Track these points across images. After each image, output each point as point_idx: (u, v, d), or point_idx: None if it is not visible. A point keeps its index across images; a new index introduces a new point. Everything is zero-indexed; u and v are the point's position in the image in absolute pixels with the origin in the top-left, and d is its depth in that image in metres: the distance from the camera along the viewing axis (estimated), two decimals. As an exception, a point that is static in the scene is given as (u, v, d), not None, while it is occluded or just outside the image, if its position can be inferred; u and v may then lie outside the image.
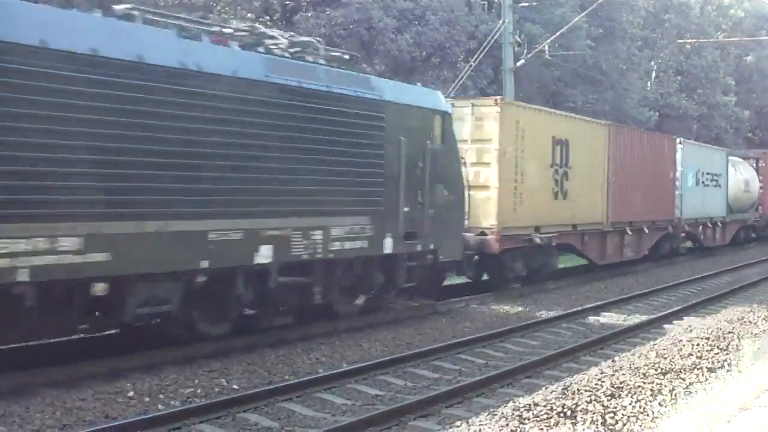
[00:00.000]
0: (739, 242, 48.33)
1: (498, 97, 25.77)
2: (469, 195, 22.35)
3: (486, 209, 23.69)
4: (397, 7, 36.27)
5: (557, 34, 36.72)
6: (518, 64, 35.59)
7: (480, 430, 10.51)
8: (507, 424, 10.60)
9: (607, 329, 20.13)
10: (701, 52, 58.61)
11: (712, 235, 42.66)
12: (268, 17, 36.78)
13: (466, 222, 22.35)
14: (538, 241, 25.49)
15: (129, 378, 13.54)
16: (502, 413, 11.14)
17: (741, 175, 47.27)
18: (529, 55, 36.17)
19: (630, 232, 32.38)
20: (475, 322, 20.47)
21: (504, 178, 24.07)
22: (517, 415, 10.94)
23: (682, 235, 38.91)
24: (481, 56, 34.28)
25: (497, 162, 23.89)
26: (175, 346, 15.21)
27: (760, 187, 49.88)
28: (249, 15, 36.37)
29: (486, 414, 11.46)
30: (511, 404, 11.73)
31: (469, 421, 11.27)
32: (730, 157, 46.93)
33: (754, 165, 50.39)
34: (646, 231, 34.02)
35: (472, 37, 38.60)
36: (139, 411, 12.07)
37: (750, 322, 19.54)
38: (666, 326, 20.43)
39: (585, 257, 30.48)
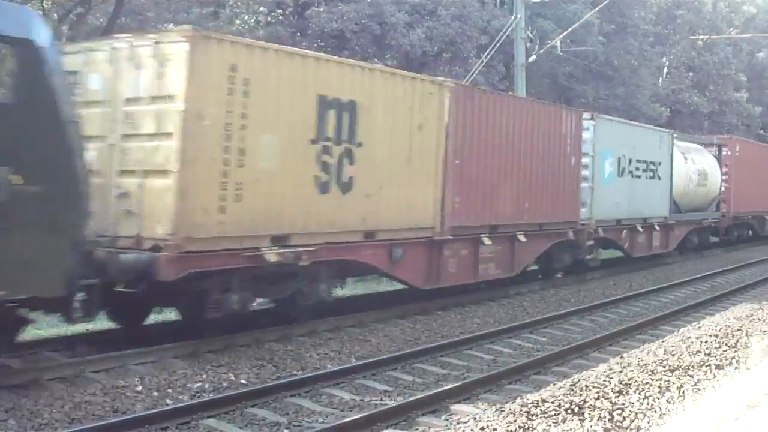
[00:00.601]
0: (692, 248, 38.73)
1: (190, 28, 15.80)
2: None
3: (162, 208, 14.67)
4: (409, 2, 36.17)
5: (569, 30, 36.65)
6: (530, 59, 35.56)
7: (488, 426, 10.52)
8: (515, 420, 10.62)
9: (615, 325, 20.18)
10: (713, 49, 58.26)
11: (645, 241, 32.48)
12: (280, 11, 36.85)
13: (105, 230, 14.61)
14: (273, 258, 15.90)
15: (137, 373, 13.61)
16: (510, 409, 11.17)
17: (694, 165, 37.56)
18: (541, 51, 36.14)
19: (488, 242, 22.27)
20: (485, 318, 20.46)
21: (196, 158, 14.75)
22: (524, 411, 10.96)
23: (590, 242, 27.89)
24: (492, 52, 34.23)
25: (181, 131, 14.59)
26: (183, 340, 15.29)
27: (724, 181, 41.23)
28: (261, 9, 36.46)
29: (494, 410, 11.49)
30: (518, 400, 11.75)
31: (477, 417, 11.32)
32: (679, 143, 36.91)
33: (716, 153, 41.60)
34: (523, 239, 23.79)
35: (483, 32, 38.47)
36: (148, 405, 12.12)
37: (759, 319, 19.49)
38: (675, 323, 20.35)
39: (398, 280, 20.77)
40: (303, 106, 16.68)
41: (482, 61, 34.52)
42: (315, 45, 33.91)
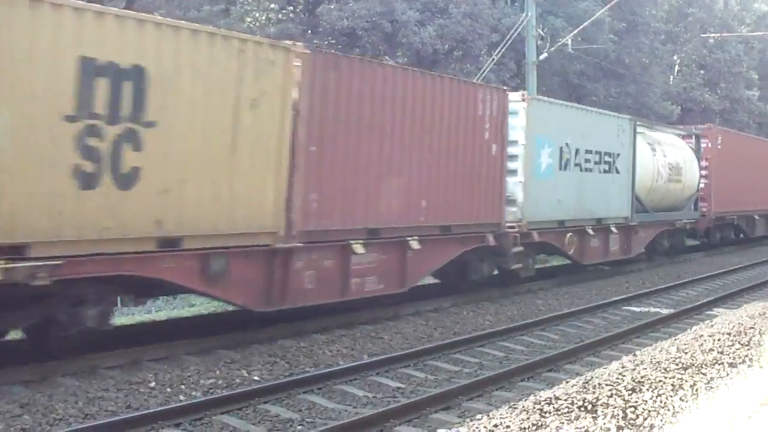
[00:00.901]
0: (661, 253, 33.93)
1: None
2: None
3: None
4: (420, 0, 36.27)
5: (580, 27, 36.55)
6: (541, 57, 35.53)
7: (501, 423, 10.50)
8: (528, 417, 10.60)
9: (627, 323, 20.14)
10: (724, 47, 58.16)
11: (600, 246, 27.54)
12: (291, 8, 36.88)
13: None
14: None
15: (150, 369, 13.69)
16: (523, 406, 11.13)
17: (665, 158, 32.49)
18: (552, 49, 36.07)
19: (362, 250, 17.66)
20: (498, 315, 20.48)
21: None
22: (537, 409, 10.93)
23: (517, 249, 22.73)
24: (503, 49, 34.24)
25: None
26: (195, 337, 15.36)
27: (704, 176, 36.57)
28: (272, 6, 36.48)
29: (506, 407, 11.45)
30: (531, 397, 11.71)
31: (490, 414, 11.28)
32: (648, 132, 32.95)
33: (693, 144, 36.30)
34: (417, 246, 19.10)
35: (494, 30, 38.52)
36: (161, 401, 12.17)
37: (772, 317, 19.36)
38: (687, 321, 20.30)
39: (222, 300, 16.73)
40: (53, 72, 12.35)
41: (493, 59, 34.53)
42: (326, 42, 33.98)
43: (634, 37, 49.29)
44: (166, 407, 11.69)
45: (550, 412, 10.78)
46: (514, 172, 22.96)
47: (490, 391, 13.42)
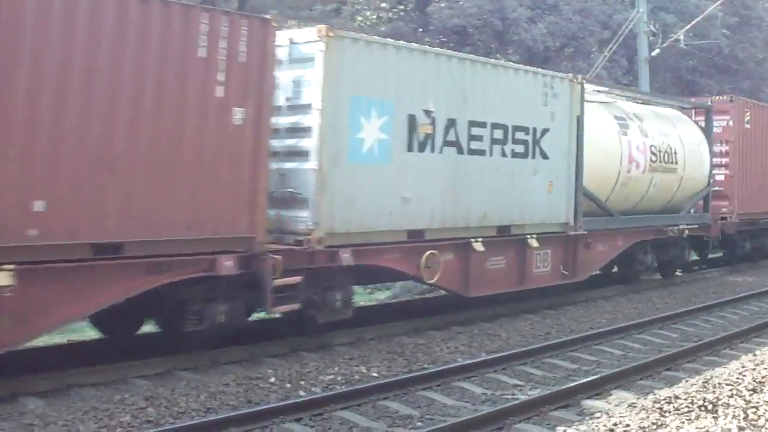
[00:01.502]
0: (643, 271, 24.66)
1: None
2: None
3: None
4: (530, -3, 36.30)
5: (692, 23, 36.09)
6: (653, 53, 35.09)
7: (620, 421, 10.39)
8: (647, 417, 10.46)
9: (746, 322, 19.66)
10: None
11: (508, 267, 18.73)
12: (402, 7, 36.99)
13: None
14: None
15: (270, 364, 13.83)
16: (642, 405, 10.99)
17: (644, 139, 23.34)
18: (664, 45, 35.61)
19: None
20: (614, 313, 20.24)
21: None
22: (657, 408, 10.78)
23: (288, 281, 14.05)
24: (615, 46, 33.94)
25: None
26: (313, 334, 15.44)
27: (723, 164, 28.16)
28: (383, 5, 36.61)
29: (626, 406, 11.34)
30: (651, 396, 11.58)
31: (609, 412, 11.20)
32: (615, 102, 24.16)
33: (699, 123, 27.31)
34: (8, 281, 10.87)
35: (605, 26, 38.27)
36: (281, 397, 12.26)
37: None
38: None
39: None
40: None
41: (605, 56, 34.26)
42: (437, 41, 34.00)
43: (747, 32, 48.50)
44: (286, 402, 11.77)
45: (669, 412, 10.63)
46: (302, 154, 14.98)
47: (608, 389, 13.21)
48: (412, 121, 16.35)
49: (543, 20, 36.18)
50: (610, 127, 22.43)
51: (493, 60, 22.15)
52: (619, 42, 33.89)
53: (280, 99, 15.06)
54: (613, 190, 22.42)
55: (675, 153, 24.72)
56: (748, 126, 28.87)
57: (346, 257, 15.05)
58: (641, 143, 23.30)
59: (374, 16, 37.37)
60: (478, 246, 17.79)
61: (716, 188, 27.50)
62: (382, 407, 11.95)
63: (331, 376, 13.38)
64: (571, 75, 21.23)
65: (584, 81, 21.44)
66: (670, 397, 11.24)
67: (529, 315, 19.24)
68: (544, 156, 19.78)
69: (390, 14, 37.02)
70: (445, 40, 34.81)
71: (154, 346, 14.12)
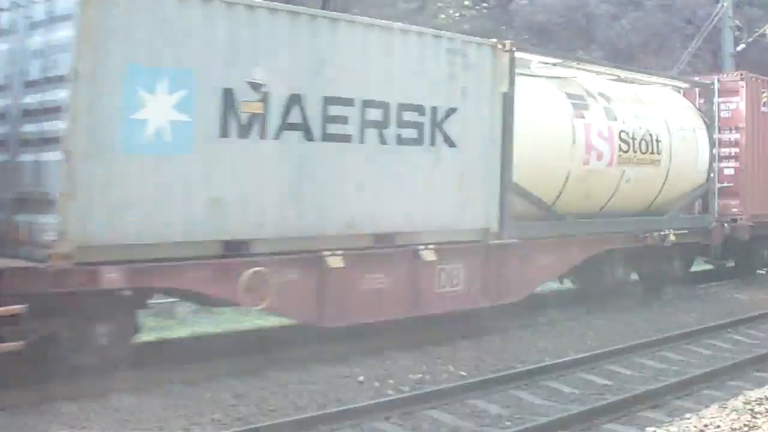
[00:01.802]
0: (606, 289, 19.74)
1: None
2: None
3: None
4: (613, -7, 36.06)
5: (778, 17, 35.58)
6: (738, 48, 34.58)
7: (711, 423, 10.24)
8: (738, 418, 10.30)
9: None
10: None
11: (397, 290, 14.27)
12: (485, 4, 36.95)
13: None
14: None
15: (358, 363, 13.82)
16: (733, 406, 10.84)
17: (611, 123, 18.67)
18: (750, 39, 35.09)
19: None
20: (703, 312, 19.98)
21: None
22: (748, 409, 10.61)
23: None
24: (699, 42, 33.53)
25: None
26: (401, 332, 15.27)
27: (731, 156, 23.42)
28: (466, 3, 36.59)
29: (716, 406, 11.17)
30: (741, 397, 11.35)
31: (699, 413, 11.02)
32: (582, 80, 19.40)
33: (703, 105, 22.95)
34: None
35: (689, 22, 37.80)
36: (370, 396, 12.27)
37: None
38: None
39: None
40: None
41: (689, 51, 33.87)
42: (520, 38, 33.95)
43: (838, 25, 47.62)
44: (375, 401, 11.79)
45: (761, 413, 10.47)
46: (50, 141, 11.16)
47: (698, 390, 13.07)
48: (228, 96, 12.28)
49: (626, 16, 35.88)
50: (559, 108, 17.82)
51: (367, 18, 15.76)
52: (703, 37, 33.45)
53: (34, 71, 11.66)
54: (565, 187, 17.78)
55: (657, 141, 20.01)
56: (765, 109, 23.82)
57: (111, 278, 11.11)
58: (606, 128, 18.60)
59: (457, 14, 37.33)
60: (335, 261, 13.45)
61: (725, 184, 22.89)
62: (471, 406, 11.92)
63: (419, 375, 13.39)
64: (495, 40, 16.53)
65: (514, 48, 16.58)
66: (761, 398, 11.12)
67: (616, 315, 19.01)
68: (450, 143, 15.24)
69: (473, 12, 36.98)
70: (527, 36, 34.70)
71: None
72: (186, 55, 11.89)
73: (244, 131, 12.54)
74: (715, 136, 22.37)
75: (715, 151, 22.26)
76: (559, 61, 19.43)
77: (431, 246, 14.80)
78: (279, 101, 12.89)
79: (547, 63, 18.94)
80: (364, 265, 13.91)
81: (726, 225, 22.14)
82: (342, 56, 13.75)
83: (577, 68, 19.78)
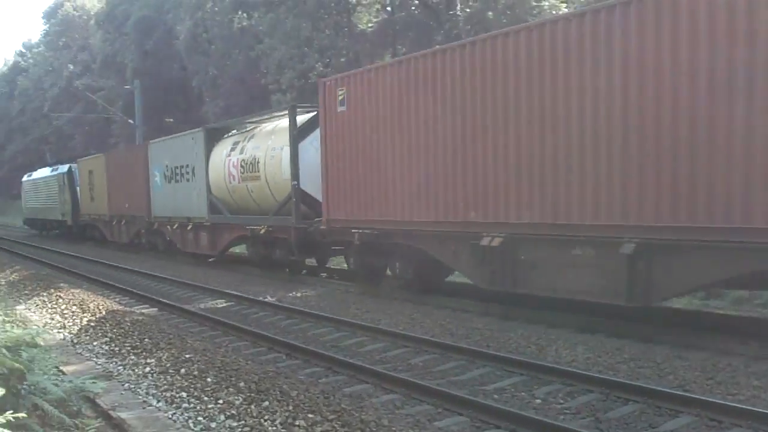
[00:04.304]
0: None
1: None
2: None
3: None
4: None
5: None
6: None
7: None
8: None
9: None
10: None
11: None
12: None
13: None
14: None
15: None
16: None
17: (247, 152, 29.54)
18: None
19: None
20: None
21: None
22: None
23: None
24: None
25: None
26: None
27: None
28: None
29: None
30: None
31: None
32: (250, 130, 31.18)
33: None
34: None
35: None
36: None
37: None
38: None
39: None
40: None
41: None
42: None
43: None
44: None
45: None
46: None
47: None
48: (167, 169, 33.38)
49: None
50: (222, 153, 31.64)
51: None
52: None
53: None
54: (228, 197, 31.63)
55: (258, 162, 28.53)
56: (343, 108, 23.01)
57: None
58: (236, 160, 30.07)
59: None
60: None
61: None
62: None
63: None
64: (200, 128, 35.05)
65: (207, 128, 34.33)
66: None
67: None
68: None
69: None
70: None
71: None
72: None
73: (170, 179, 34.81)
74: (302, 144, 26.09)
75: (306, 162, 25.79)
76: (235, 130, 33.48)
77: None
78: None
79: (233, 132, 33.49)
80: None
81: (308, 226, 25.36)
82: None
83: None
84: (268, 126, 29.80)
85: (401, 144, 20.61)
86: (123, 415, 10.84)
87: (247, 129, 31.79)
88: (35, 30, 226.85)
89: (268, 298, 22.17)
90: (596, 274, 15.30)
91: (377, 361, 14.42)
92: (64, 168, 56.97)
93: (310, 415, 10.09)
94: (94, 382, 11.21)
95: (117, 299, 23.57)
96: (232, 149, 30.74)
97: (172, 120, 60.50)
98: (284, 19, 46.70)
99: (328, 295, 22.35)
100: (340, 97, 22.94)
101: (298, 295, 23.04)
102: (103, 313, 19.76)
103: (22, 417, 6.93)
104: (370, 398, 11.90)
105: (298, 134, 25.94)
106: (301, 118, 26.57)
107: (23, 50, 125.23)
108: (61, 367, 13.18)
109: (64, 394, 9.78)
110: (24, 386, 8.98)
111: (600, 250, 15.22)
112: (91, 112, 78.05)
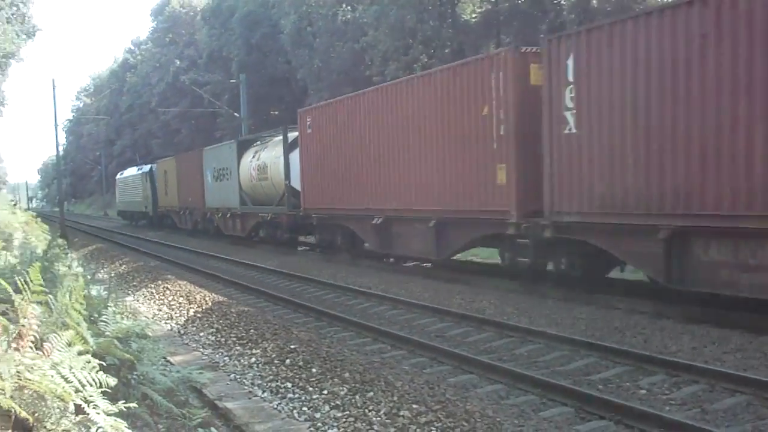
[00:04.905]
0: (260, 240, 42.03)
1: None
2: None
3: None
4: None
5: None
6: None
7: None
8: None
9: None
10: None
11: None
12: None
13: None
14: None
15: None
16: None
17: (261, 159, 40.03)
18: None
19: None
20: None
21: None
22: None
23: None
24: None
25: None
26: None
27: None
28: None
29: None
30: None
31: None
32: (273, 140, 40.68)
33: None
34: None
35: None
36: None
37: None
38: None
39: None
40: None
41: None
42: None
43: None
44: None
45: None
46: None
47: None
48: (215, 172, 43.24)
49: None
50: (247, 159, 41.72)
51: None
52: None
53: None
54: (252, 191, 41.09)
55: (266, 167, 38.63)
56: (310, 131, 33.07)
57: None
58: (255, 165, 40.10)
59: None
60: None
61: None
62: None
63: None
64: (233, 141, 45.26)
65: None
66: None
67: None
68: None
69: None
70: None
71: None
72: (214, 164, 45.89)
73: (216, 179, 45.90)
74: (293, 154, 35.58)
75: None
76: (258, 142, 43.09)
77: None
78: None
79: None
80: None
81: (295, 213, 35.12)
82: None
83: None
84: (275, 139, 39.00)
85: (338, 156, 30.29)
86: (229, 405, 11.00)
87: (265, 141, 41.49)
88: (144, 28, 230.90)
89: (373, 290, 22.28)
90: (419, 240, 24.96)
91: (482, 351, 14.42)
92: (146, 168, 67.95)
93: (414, 406, 10.11)
94: (201, 373, 11.39)
95: (223, 291, 23.88)
96: (254, 156, 40.72)
97: (276, 112, 61.43)
98: (388, 11, 46.79)
99: (431, 286, 22.33)
100: (308, 123, 32.97)
101: (403, 286, 23.08)
102: (209, 304, 20.07)
103: (134, 407, 7.04)
104: (475, 388, 11.91)
105: (288, 147, 35.58)
106: (292, 135, 35.49)
107: (132, 47, 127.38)
108: (168, 358, 13.41)
109: (172, 384, 9.92)
110: (134, 376, 9.13)
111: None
112: (197, 107, 79.41)
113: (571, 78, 17.97)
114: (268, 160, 38.22)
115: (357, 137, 28.61)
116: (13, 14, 48.39)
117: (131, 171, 76.18)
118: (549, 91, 18.71)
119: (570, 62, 17.99)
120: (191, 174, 52.10)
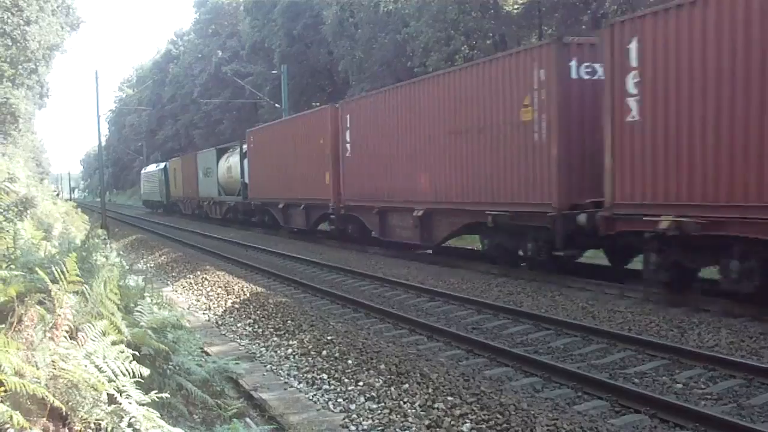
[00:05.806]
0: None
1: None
2: None
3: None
4: None
5: None
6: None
7: None
8: None
9: None
10: None
11: None
12: None
13: None
14: None
15: None
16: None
17: (229, 161, 55.03)
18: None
19: None
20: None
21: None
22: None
23: None
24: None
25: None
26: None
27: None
28: None
29: None
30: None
31: None
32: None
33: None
34: None
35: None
36: None
37: None
38: None
39: None
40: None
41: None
42: None
43: None
44: None
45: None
46: None
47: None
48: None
49: None
50: (222, 162, 55.45)
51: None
52: None
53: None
54: (225, 185, 54.27)
55: (231, 168, 53.23)
56: (252, 145, 47.95)
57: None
58: (226, 166, 54.29)
59: None
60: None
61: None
62: None
63: None
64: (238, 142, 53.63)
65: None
66: None
67: None
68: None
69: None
70: None
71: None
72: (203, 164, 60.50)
73: (205, 175, 60.68)
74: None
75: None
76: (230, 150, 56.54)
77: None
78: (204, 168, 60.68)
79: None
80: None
81: (247, 201, 49.40)
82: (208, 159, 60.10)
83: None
84: (237, 148, 52.48)
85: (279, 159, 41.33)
86: (264, 395, 11.06)
87: (235, 149, 53.77)
88: (187, 19, 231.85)
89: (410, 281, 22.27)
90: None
91: (518, 344, 14.40)
92: (162, 165, 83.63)
93: (449, 398, 10.13)
94: (237, 363, 11.46)
95: (260, 281, 23.94)
96: (225, 160, 55.20)
97: (318, 104, 61.86)
98: (430, 2, 46.69)
99: (471, 278, 22.30)
100: (252, 145, 47.62)
101: (443, 279, 23.03)
102: (247, 295, 20.16)
103: (167, 397, 7.10)
104: (510, 381, 11.89)
105: (243, 155, 50.22)
106: (246, 146, 49.16)
107: (175, 38, 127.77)
108: (205, 348, 13.50)
109: (207, 375, 10.00)
110: (169, 366, 9.19)
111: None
112: (238, 97, 79.75)
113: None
114: (232, 163, 53.02)
115: (291, 153, 39.81)
116: (57, 6, 48.73)
117: (152, 167, 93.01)
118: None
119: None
120: (191, 171, 66.30)
